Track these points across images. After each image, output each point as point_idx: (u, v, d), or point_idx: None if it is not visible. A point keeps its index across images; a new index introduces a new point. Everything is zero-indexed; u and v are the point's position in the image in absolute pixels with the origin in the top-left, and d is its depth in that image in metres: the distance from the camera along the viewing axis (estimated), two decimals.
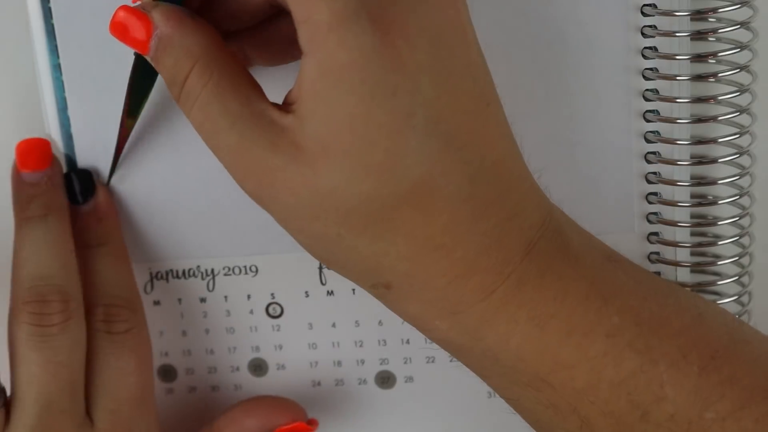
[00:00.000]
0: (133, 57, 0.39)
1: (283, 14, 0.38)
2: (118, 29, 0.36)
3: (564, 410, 0.36)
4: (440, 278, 0.35)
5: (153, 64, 0.37)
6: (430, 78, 0.33)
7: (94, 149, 0.44)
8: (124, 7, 0.36)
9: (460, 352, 0.37)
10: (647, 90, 0.42)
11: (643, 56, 0.42)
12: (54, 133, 0.43)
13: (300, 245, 0.37)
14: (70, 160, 0.44)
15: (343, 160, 0.33)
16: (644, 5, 0.41)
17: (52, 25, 0.42)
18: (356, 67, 0.33)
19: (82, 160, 0.44)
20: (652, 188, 0.43)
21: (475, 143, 0.35)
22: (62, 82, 0.43)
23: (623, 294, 0.36)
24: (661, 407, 0.35)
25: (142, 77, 0.40)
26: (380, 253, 0.35)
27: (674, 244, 0.44)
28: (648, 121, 0.43)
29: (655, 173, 0.43)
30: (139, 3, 0.37)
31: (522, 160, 0.37)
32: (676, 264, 0.44)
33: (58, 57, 0.43)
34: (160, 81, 0.40)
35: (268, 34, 0.39)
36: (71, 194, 0.43)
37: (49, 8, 0.42)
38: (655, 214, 0.44)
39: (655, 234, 0.44)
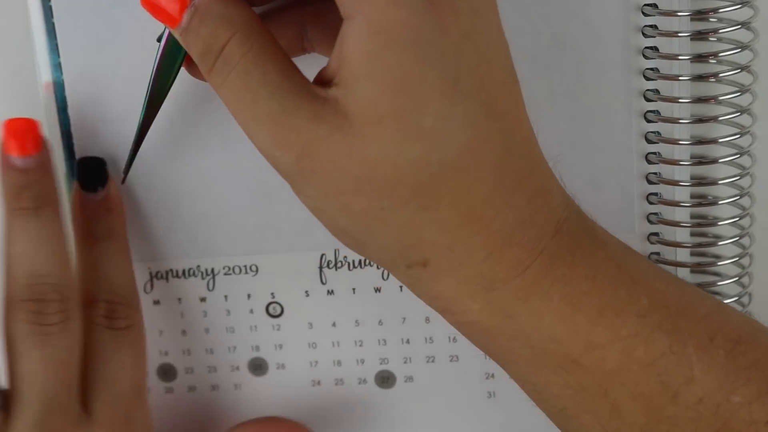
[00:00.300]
0: (162, 39, 0.38)
1: (290, 7, 0.38)
2: (150, 2, 0.35)
3: (594, 393, 0.36)
4: (478, 252, 0.35)
5: (181, 38, 0.35)
6: (472, 45, 0.33)
7: (94, 149, 0.43)
8: None
9: (487, 337, 0.37)
10: (648, 90, 0.42)
11: (644, 56, 0.42)
12: (54, 133, 0.43)
13: (333, 232, 0.36)
14: (70, 160, 0.44)
15: (395, 123, 0.33)
16: (645, 5, 0.41)
17: (53, 24, 0.42)
18: (408, 26, 0.32)
19: None
20: (653, 188, 0.43)
21: (508, 116, 0.35)
22: (62, 81, 0.43)
23: (649, 277, 0.36)
24: (691, 389, 0.35)
25: (168, 62, 0.38)
26: (422, 226, 0.35)
27: (675, 245, 0.44)
28: (649, 121, 0.43)
29: (655, 173, 0.43)
30: None
31: (539, 145, 0.37)
32: (677, 264, 0.44)
33: (58, 56, 0.43)
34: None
35: (273, 27, 0.39)
36: (85, 180, 0.43)
37: (50, 7, 0.42)
38: (655, 214, 0.44)
39: (656, 234, 0.44)
